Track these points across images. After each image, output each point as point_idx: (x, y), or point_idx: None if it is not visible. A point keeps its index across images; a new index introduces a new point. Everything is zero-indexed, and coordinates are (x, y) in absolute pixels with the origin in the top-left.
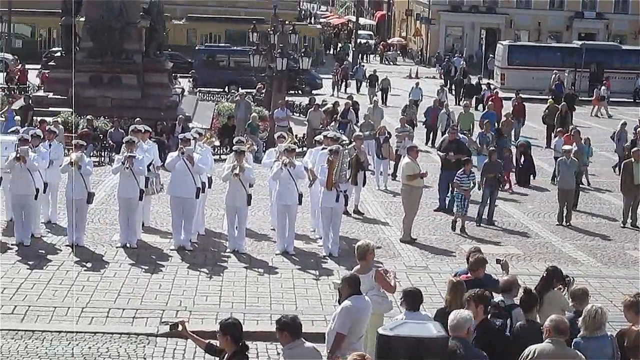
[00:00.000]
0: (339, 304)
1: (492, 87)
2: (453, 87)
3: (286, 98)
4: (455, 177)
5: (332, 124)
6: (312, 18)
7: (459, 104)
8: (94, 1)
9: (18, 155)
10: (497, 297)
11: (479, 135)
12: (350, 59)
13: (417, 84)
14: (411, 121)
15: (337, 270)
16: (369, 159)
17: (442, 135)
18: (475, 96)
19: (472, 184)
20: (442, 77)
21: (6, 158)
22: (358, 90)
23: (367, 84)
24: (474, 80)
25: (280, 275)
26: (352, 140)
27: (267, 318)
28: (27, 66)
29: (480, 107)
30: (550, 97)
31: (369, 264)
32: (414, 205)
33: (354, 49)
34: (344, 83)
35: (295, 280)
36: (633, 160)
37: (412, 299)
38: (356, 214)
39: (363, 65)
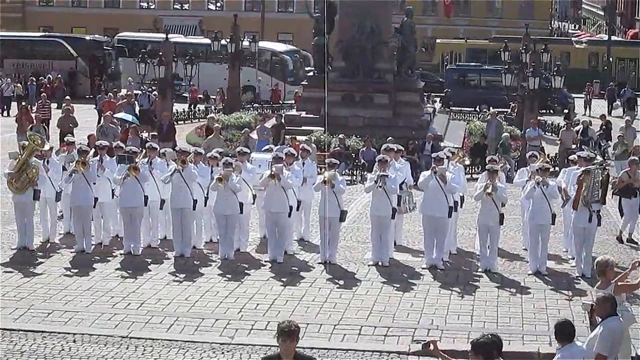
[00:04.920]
0: (590, 324)
1: None
2: None
3: (538, 117)
4: None
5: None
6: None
7: None
8: (347, 21)
9: (273, 173)
10: None
11: None
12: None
13: None
14: None
15: (589, 291)
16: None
17: None
18: None
19: None
20: None
21: (260, 175)
22: (624, 111)
23: (625, 106)
24: None
25: (533, 295)
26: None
27: (519, 338)
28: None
29: None
30: None
31: (608, 280)
32: None
33: (605, 67)
34: (611, 105)
35: (548, 301)
36: None
37: (563, 330)
38: (629, 243)
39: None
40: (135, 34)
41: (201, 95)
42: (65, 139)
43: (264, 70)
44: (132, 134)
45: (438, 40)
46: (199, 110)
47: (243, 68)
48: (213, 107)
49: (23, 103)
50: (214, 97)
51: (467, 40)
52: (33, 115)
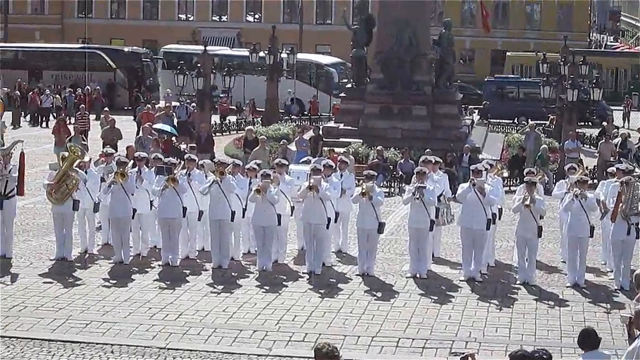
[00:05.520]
0: (629, 337)
1: None
2: None
3: (577, 129)
4: None
5: None
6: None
7: None
8: (385, 33)
9: (311, 184)
10: None
11: None
12: None
13: None
14: None
15: (628, 303)
16: None
17: None
18: None
19: None
20: None
21: (299, 187)
22: None
23: None
24: None
25: (571, 308)
26: None
27: (557, 351)
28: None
29: None
30: None
31: None
32: None
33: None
34: None
35: (586, 314)
36: None
37: (586, 339)
38: None
39: None
40: (181, 46)
41: (233, 107)
42: (104, 150)
43: (308, 83)
44: (154, 144)
45: (509, 53)
46: (236, 121)
47: (281, 79)
48: (245, 119)
49: (61, 115)
50: (245, 108)
51: (537, 53)
52: (71, 127)
